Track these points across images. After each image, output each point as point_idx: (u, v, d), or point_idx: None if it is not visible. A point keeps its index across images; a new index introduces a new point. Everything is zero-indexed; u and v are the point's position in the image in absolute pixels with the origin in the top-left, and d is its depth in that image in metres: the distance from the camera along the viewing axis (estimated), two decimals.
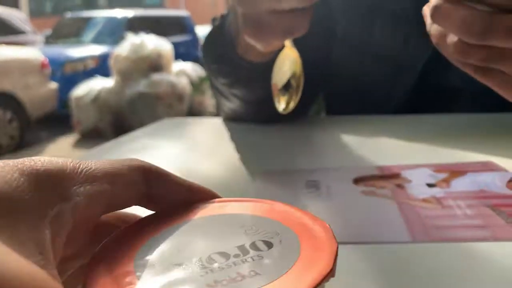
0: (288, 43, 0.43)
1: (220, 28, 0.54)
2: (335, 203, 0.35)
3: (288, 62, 0.43)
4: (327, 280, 0.15)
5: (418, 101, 0.62)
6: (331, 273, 0.15)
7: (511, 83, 0.32)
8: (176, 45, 4.49)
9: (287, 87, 0.43)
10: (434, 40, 0.34)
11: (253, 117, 0.60)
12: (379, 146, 0.51)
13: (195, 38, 6.18)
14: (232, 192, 0.39)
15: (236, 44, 0.51)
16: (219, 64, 0.55)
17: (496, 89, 0.33)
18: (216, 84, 0.58)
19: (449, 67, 0.59)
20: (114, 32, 5.19)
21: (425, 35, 0.35)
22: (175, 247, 0.16)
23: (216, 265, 0.15)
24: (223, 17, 0.55)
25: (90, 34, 5.41)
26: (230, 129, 0.61)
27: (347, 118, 0.63)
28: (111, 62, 3.95)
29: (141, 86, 3.73)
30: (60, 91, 4.04)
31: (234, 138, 0.58)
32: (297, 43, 0.43)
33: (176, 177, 0.20)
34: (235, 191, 0.40)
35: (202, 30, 6.16)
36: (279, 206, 0.19)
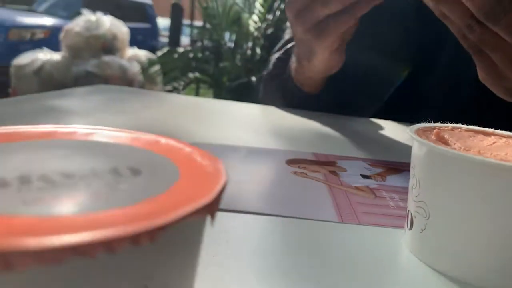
0: None
1: (283, 61, 0.62)
2: (264, 178, 0.31)
3: None
4: (205, 215, 0.11)
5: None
6: (211, 208, 0.11)
7: (492, 71, 0.36)
8: (134, 32, 4.32)
9: None
10: (437, 13, 0.36)
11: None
12: (322, 137, 0.47)
13: (154, 27, 5.99)
14: None
15: (293, 78, 0.58)
16: (276, 90, 0.63)
17: (480, 71, 0.37)
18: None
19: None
20: (70, 6, 4.93)
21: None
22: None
23: (39, 184, 0.12)
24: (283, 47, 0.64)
25: (43, 4, 5.11)
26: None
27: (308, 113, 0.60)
28: (62, 36, 3.73)
29: (90, 65, 3.54)
30: (1, 57, 3.77)
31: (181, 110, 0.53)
32: None
33: None
34: None
35: (164, 22, 5.94)
36: (167, 140, 0.16)
